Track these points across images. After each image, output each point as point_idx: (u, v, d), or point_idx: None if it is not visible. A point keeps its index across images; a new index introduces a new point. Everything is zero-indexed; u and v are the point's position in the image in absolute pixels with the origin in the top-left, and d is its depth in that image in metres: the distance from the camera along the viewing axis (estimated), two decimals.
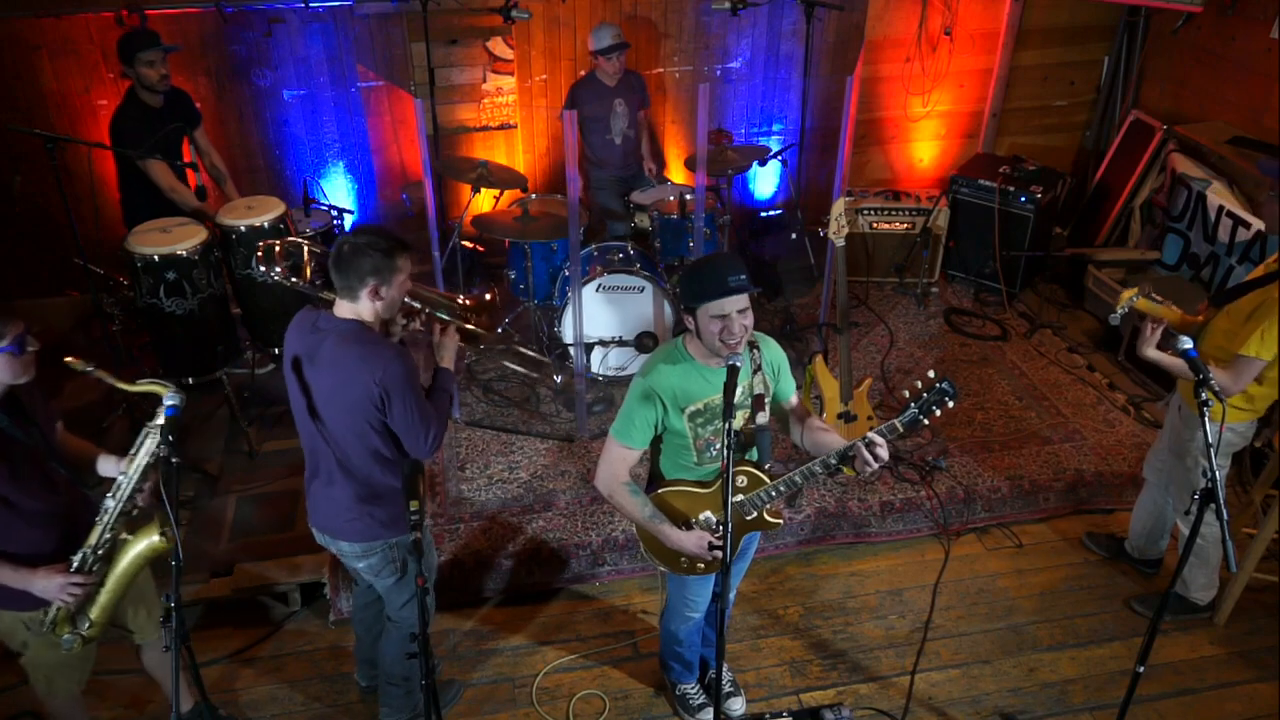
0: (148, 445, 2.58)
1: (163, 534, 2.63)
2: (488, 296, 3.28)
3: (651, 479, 2.94)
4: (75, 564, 2.64)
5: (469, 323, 3.19)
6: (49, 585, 2.61)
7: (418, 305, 3.03)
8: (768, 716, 3.00)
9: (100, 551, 2.66)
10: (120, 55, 4.37)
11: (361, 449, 2.75)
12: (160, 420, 2.50)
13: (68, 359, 2.50)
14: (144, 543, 2.66)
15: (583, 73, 5.51)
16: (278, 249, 3.38)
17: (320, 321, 2.72)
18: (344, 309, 2.70)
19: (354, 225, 5.35)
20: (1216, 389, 2.63)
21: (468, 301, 3.23)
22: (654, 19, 5.58)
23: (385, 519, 2.86)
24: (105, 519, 2.63)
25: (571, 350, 4.52)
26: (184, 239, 4.12)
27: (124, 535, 2.68)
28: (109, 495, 2.63)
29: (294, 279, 3.32)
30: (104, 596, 2.71)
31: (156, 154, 4.32)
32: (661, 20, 5.59)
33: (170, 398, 2.41)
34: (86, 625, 2.74)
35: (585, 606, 3.87)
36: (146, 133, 4.35)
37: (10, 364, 2.47)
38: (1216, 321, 3.25)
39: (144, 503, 2.66)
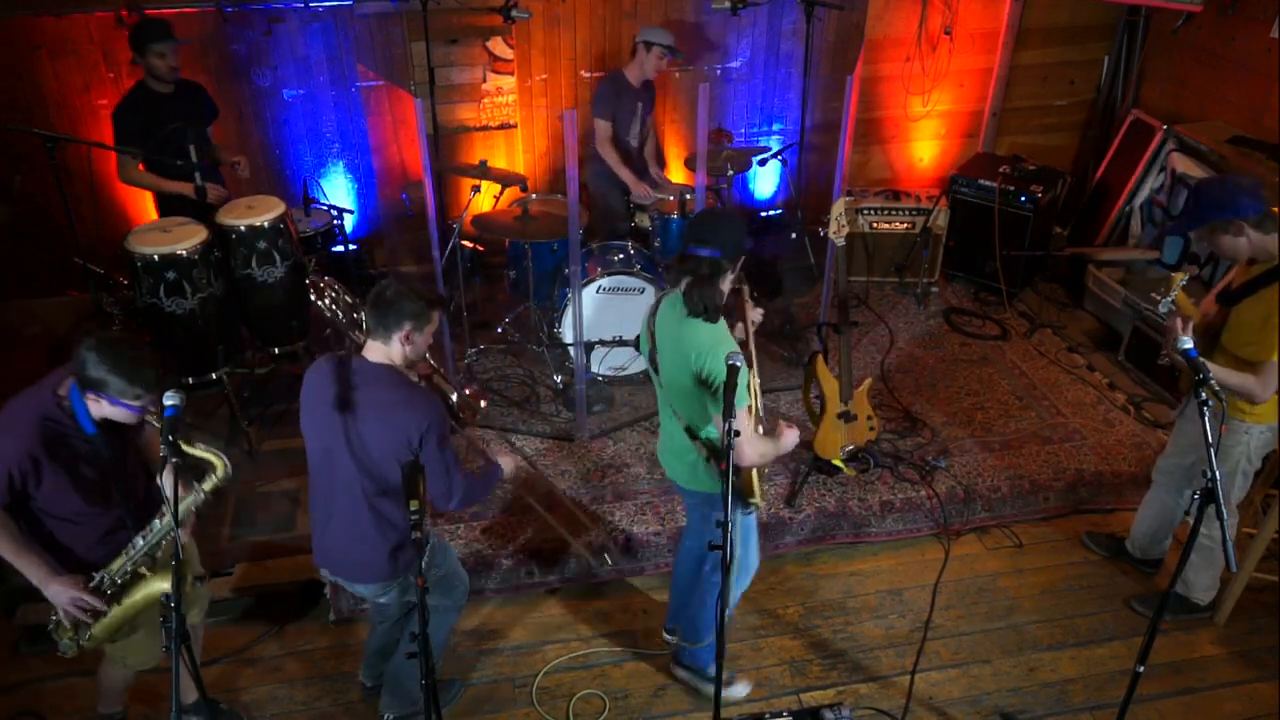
0: (186, 502, 2.63)
1: (166, 597, 2.42)
2: (483, 404, 3.48)
3: (714, 452, 2.93)
4: (93, 583, 2.67)
5: (459, 408, 3.31)
6: (59, 594, 2.63)
7: (434, 364, 3.13)
8: (768, 716, 2.99)
9: (120, 580, 2.69)
10: (132, 44, 4.41)
11: (396, 482, 2.78)
12: (207, 485, 2.62)
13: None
14: (156, 585, 2.69)
15: (598, 75, 5.49)
16: (324, 287, 3.68)
17: (352, 367, 2.77)
18: (375, 351, 2.76)
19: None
20: (1217, 389, 2.62)
21: (469, 393, 3.39)
22: (654, 18, 5.57)
23: (404, 560, 2.92)
24: (131, 553, 2.67)
25: (571, 350, 4.52)
26: (184, 239, 4.11)
27: (143, 570, 2.70)
28: (140, 535, 2.67)
29: (335, 308, 3.43)
30: (110, 618, 2.72)
31: (137, 150, 4.33)
32: (662, 19, 5.58)
33: (170, 398, 2.42)
34: (86, 637, 2.75)
35: (585, 606, 3.87)
36: (146, 120, 4.36)
37: (128, 416, 2.58)
38: (1237, 319, 3.19)
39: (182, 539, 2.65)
